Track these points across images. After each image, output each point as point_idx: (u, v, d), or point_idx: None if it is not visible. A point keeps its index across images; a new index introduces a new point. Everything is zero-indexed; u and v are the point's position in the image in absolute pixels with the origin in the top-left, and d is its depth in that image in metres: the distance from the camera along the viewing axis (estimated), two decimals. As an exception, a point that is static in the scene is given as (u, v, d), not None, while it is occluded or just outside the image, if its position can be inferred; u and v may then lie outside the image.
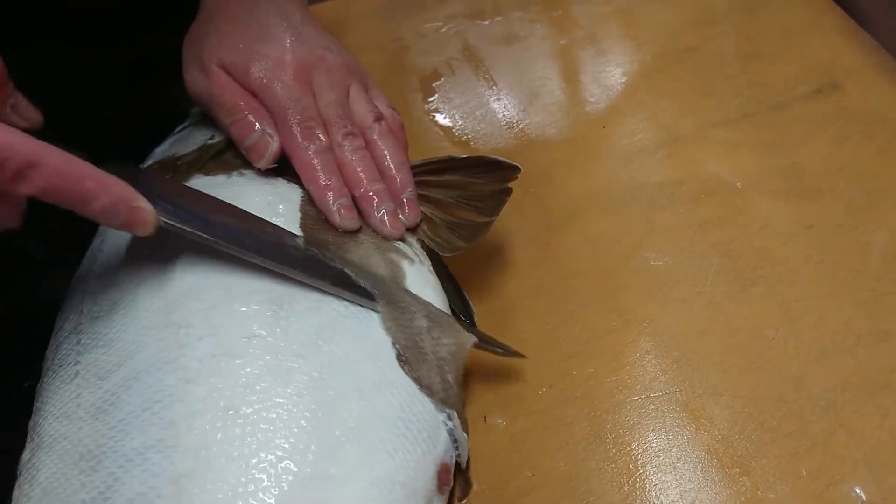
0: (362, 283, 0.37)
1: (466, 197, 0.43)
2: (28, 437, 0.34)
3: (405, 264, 0.40)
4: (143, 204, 0.34)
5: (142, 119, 0.55)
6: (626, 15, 0.66)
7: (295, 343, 0.34)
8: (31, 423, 0.35)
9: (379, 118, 0.44)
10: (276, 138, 0.42)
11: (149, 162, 0.47)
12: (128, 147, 0.54)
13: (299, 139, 0.42)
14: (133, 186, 0.33)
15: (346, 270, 0.37)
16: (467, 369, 0.42)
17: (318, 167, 0.42)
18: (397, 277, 0.39)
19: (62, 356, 0.36)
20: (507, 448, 0.39)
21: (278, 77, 0.43)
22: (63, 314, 0.39)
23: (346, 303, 0.36)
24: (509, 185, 0.42)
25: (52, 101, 0.53)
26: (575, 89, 0.60)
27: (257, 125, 0.42)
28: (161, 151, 0.47)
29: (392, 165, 0.43)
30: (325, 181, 0.41)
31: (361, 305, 0.37)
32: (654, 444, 0.38)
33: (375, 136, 0.44)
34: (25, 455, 0.33)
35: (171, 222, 0.35)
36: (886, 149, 0.49)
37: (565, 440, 0.39)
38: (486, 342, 0.40)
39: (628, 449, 0.38)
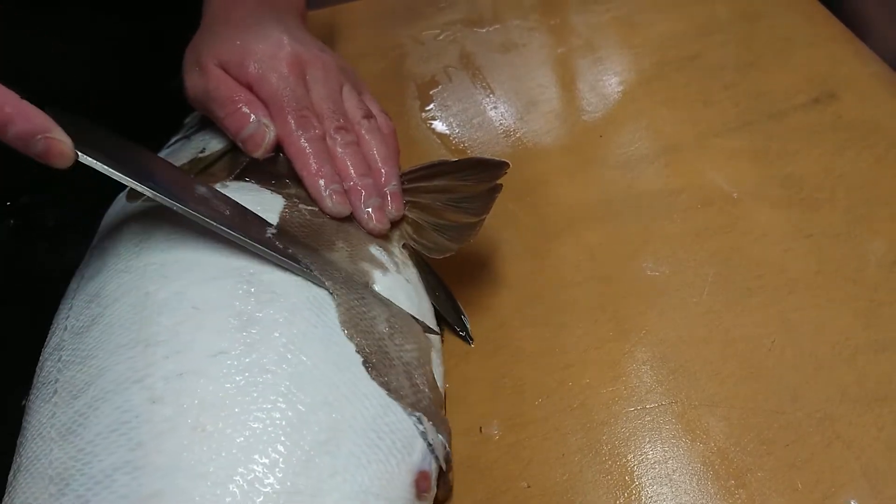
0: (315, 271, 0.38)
1: (455, 199, 0.43)
2: (14, 456, 0.34)
3: (377, 273, 0.40)
4: (60, 136, 0.34)
5: (167, 94, 0.57)
6: (624, 23, 0.66)
7: (263, 358, 0.33)
8: (18, 440, 0.35)
9: (368, 116, 0.46)
10: (272, 127, 0.43)
11: None
12: (151, 119, 0.56)
13: (293, 127, 0.43)
14: (64, 126, 0.34)
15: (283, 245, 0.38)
16: (462, 378, 0.42)
17: (312, 154, 0.43)
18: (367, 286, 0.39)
19: (45, 373, 0.36)
20: (503, 459, 0.39)
21: (273, 68, 0.44)
22: (51, 330, 0.39)
23: (318, 313, 0.36)
24: (498, 181, 0.42)
25: (81, 70, 0.54)
26: (572, 98, 0.60)
27: (252, 116, 0.43)
28: None
29: (378, 158, 0.44)
30: (317, 168, 0.42)
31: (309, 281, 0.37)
32: (649, 456, 0.37)
33: (364, 132, 0.45)
34: (10, 475, 0.33)
35: (89, 157, 0.35)
36: (884, 158, 0.49)
37: (561, 451, 0.38)
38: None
39: (624, 461, 0.37)
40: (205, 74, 0.45)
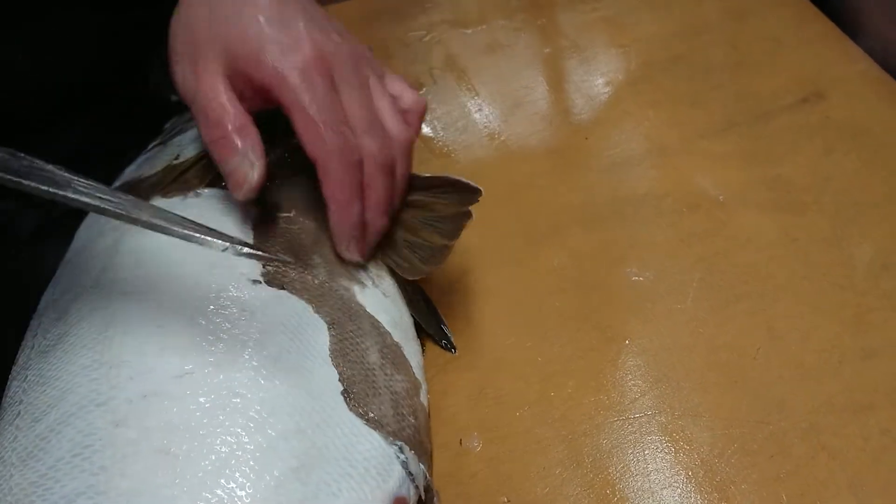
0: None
1: (429, 218, 0.41)
2: None
3: (356, 288, 0.39)
4: None
5: (154, 88, 0.55)
6: (611, 23, 0.65)
7: (233, 381, 0.32)
8: None
9: (405, 122, 0.41)
10: (258, 165, 0.37)
11: (118, 182, 0.45)
12: (134, 115, 0.53)
13: (330, 148, 0.37)
14: None
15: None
16: (442, 389, 0.41)
17: (347, 185, 0.38)
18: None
19: (11, 394, 0.34)
20: (483, 472, 0.38)
21: (296, 67, 0.36)
22: (21, 348, 0.38)
23: (292, 337, 0.35)
24: (470, 208, 0.40)
25: (63, 63, 0.52)
26: (558, 99, 0.59)
27: (241, 146, 0.37)
28: (129, 172, 0.46)
29: (399, 189, 0.41)
30: (349, 205, 0.38)
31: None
32: (632, 469, 0.37)
33: (397, 155, 0.40)
34: None
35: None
36: (871, 160, 0.48)
37: (542, 464, 0.38)
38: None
39: (606, 474, 0.37)
40: (197, 77, 0.38)
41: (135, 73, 0.58)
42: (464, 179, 0.40)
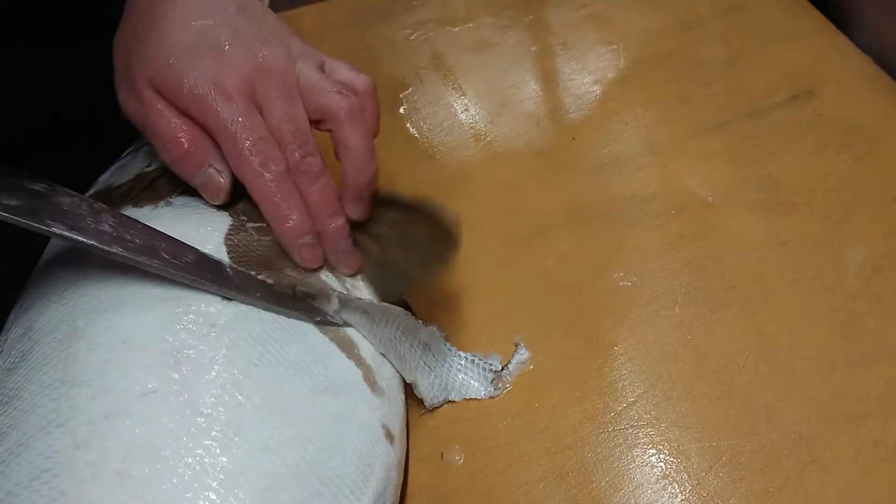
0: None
1: (400, 238, 0.41)
2: None
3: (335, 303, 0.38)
4: None
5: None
6: (600, 20, 0.64)
7: (198, 399, 0.31)
8: None
9: (345, 92, 0.39)
10: (226, 172, 0.38)
11: (91, 191, 0.44)
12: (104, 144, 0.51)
13: (254, 165, 0.37)
14: None
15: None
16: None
17: (279, 199, 0.38)
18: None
19: None
20: (465, 487, 0.37)
21: (215, 94, 0.37)
22: None
23: (262, 351, 0.34)
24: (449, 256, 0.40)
25: (31, 96, 0.50)
26: (546, 98, 0.58)
27: (203, 159, 0.38)
28: (103, 180, 0.45)
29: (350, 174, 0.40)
30: (286, 214, 0.38)
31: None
32: (618, 483, 0.36)
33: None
34: None
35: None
36: (863, 158, 0.47)
37: (526, 478, 0.37)
38: None
39: (590, 489, 0.36)
40: (140, 101, 0.38)
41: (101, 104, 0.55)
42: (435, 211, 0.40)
